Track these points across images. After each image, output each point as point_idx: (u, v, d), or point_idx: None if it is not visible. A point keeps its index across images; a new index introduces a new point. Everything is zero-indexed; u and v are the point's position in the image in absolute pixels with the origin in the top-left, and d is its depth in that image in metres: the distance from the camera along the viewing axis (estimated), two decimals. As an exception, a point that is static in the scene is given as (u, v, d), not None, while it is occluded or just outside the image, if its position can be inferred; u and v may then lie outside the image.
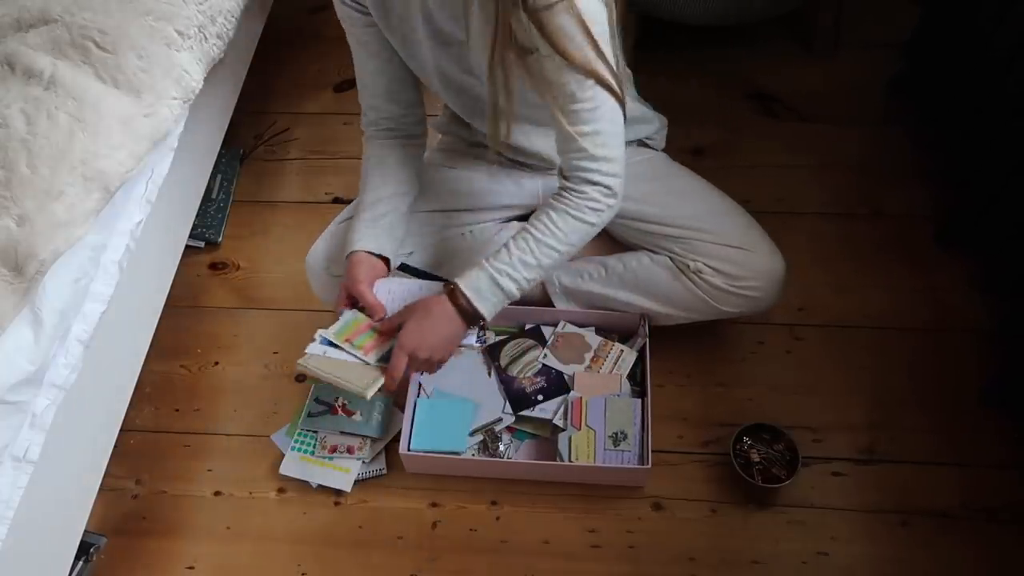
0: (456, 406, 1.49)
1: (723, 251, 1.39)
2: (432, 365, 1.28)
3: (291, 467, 1.46)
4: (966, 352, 1.56)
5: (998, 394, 1.50)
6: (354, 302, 1.32)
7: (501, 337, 1.56)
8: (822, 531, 1.40)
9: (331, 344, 1.27)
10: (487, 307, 1.22)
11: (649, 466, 1.38)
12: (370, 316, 1.30)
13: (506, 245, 1.22)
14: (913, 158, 1.84)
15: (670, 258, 1.43)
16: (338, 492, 1.46)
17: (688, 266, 1.41)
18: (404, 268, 1.47)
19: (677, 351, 1.56)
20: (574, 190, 1.19)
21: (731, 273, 1.38)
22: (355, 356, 1.26)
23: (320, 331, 1.28)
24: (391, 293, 1.34)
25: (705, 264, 1.39)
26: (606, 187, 1.18)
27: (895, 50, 1.91)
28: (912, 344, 1.58)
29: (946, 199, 1.72)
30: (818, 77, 2.00)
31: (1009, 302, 1.55)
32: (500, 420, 1.48)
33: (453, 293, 1.22)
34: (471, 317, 1.23)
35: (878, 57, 1.98)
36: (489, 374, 1.53)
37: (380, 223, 1.36)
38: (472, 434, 1.47)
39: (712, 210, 1.44)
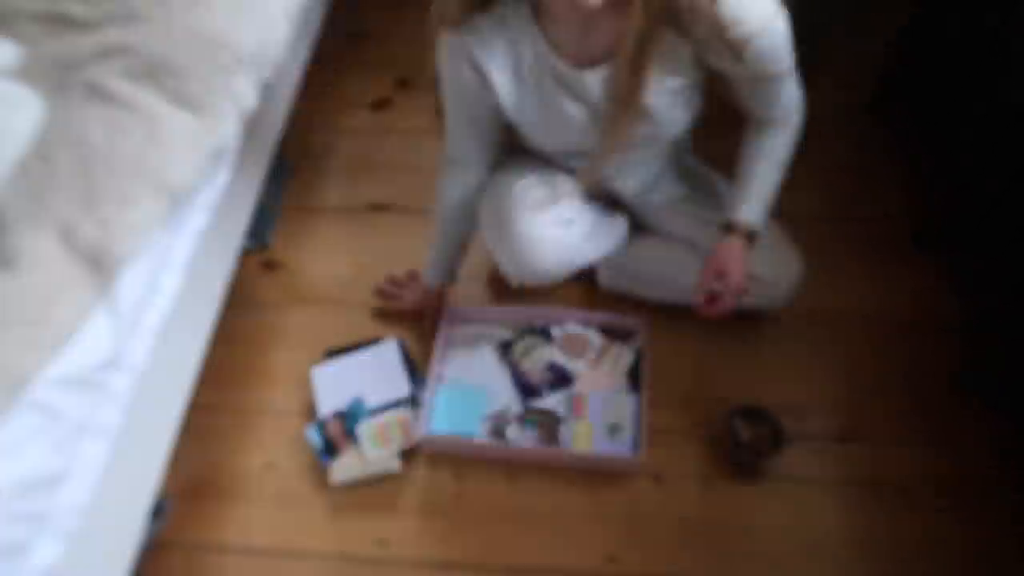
0: (471, 394, 1.51)
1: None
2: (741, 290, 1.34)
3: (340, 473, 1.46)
4: (938, 342, 1.56)
5: (967, 381, 1.50)
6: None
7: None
8: (803, 503, 1.41)
9: None
10: (761, 226, 1.33)
11: (641, 456, 1.40)
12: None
13: (751, 175, 1.32)
14: (891, 168, 1.83)
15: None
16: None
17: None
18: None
19: (676, 339, 1.58)
20: (787, 120, 1.31)
21: (751, 274, 1.38)
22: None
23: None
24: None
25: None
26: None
27: (874, 69, 1.91)
28: (889, 335, 1.59)
29: (923, 204, 1.71)
30: (805, 92, 1.99)
31: (979, 297, 1.54)
32: (510, 408, 1.51)
33: (736, 230, 1.31)
34: (753, 239, 1.33)
35: (858, 76, 1.97)
36: (502, 367, 1.56)
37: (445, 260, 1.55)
38: (485, 421, 1.49)
39: None
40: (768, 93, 1.25)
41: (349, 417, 1.49)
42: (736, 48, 1.10)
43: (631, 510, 1.42)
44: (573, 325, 1.59)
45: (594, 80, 1.20)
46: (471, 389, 1.53)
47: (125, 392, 1.13)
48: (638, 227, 1.55)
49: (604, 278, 1.62)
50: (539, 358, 1.55)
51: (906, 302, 1.63)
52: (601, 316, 1.59)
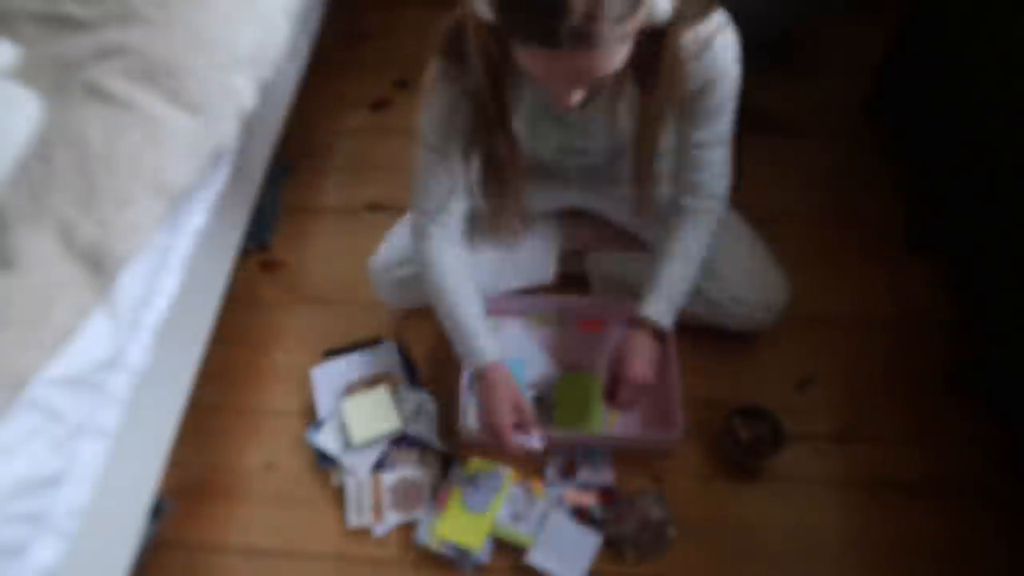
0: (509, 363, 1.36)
1: (730, 272, 1.40)
2: (645, 392, 1.31)
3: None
4: (931, 343, 1.56)
5: (962, 381, 1.51)
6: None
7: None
8: (801, 502, 1.41)
9: None
10: (671, 325, 1.30)
11: (680, 434, 1.38)
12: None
13: (661, 274, 1.29)
14: (886, 170, 1.83)
15: None
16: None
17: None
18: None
19: (675, 339, 1.57)
20: (706, 207, 1.28)
21: (734, 296, 1.40)
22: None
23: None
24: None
25: (710, 282, 1.40)
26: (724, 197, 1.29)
27: (869, 72, 1.91)
28: (883, 336, 1.59)
29: (917, 204, 1.71)
30: (801, 96, 2.00)
31: (971, 299, 1.55)
32: (548, 375, 1.54)
33: (643, 325, 1.28)
34: (662, 337, 1.30)
35: (854, 78, 1.97)
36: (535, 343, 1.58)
37: (492, 333, 1.32)
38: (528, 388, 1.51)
39: (728, 237, 1.41)
40: (706, 142, 1.22)
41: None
42: (697, 52, 1.09)
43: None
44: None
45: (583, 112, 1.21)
46: (510, 360, 1.36)
47: (124, 392, 1.13)
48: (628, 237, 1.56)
49: (597, 288, 1.62)
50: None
51: (899, 303, 1.63)
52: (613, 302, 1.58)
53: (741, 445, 1.43)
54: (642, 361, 1.28)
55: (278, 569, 1.39)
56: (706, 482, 1.44)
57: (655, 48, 1.03)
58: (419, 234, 1.32)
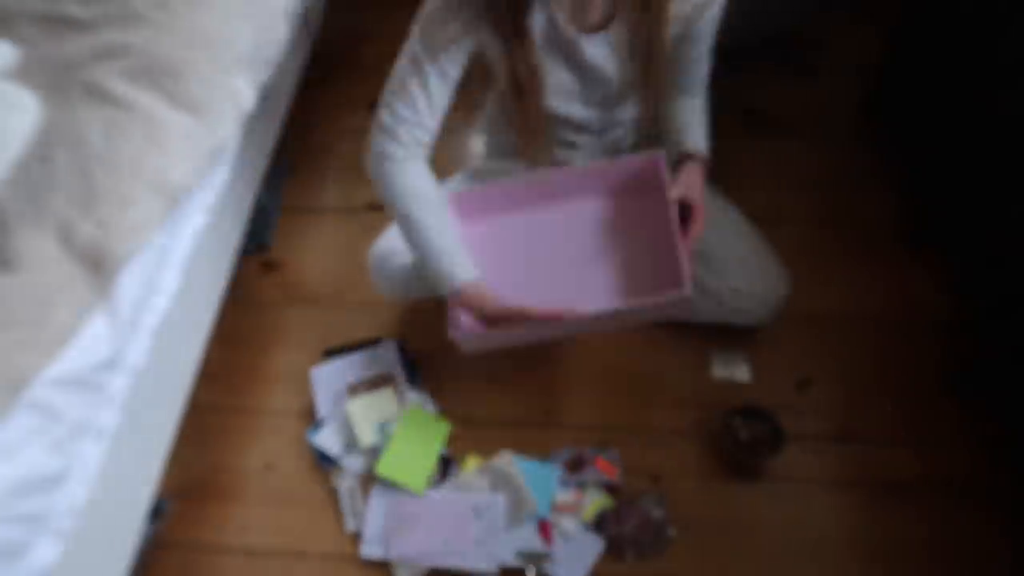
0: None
1: (725, 263, 1.39)
2: None
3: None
4: (931, 343, 1.56)
5: (960, 381, 1.50)
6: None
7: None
8: (801, 503, 1.40)
9: None
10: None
11: (686, 290, 1.21)
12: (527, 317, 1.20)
13: (687, 116, 1.36)
14: (885, 170, 1.83)
15: None
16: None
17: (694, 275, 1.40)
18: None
19: (675, 339, 1.58)
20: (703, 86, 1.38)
21: (733, 287, 1.39)
22: None
23: None
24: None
25: (707, 271, 1.40)
26: None
27: (869, 72, 1.91)
28: (882, 336, 1.58)
29: (917, 204, 1.71)
30: (801, 96, 2.00)
31: (969, 299, 1.54)
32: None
33: (693, 160, 1.32)
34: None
35: (854, 78, 1.97)
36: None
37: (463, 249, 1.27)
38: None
39: (723, 223, 1.43)
40: (699, 48, 1.31)
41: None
42: None
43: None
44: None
45: (591, 45, 1.23)
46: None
47: (124, 392, 1.13)
48: None
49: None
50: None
51: (901, 303, 1.63)
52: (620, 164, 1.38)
53: (741, 445, 1.43)
54: (701, 190, 1.31)
55: (278, 569, 1.39)
56: (706, 482, 1.44)
57: None
58: (380, 154, 1.27)
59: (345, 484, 1.43)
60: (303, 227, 1.85)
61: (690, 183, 1.30)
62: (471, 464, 1.44)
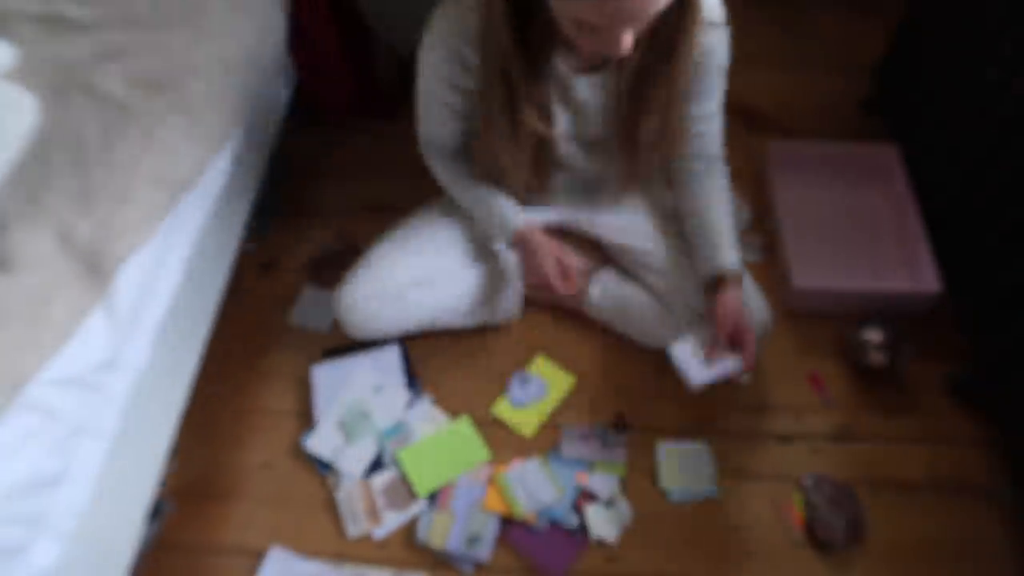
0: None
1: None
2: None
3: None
4: (934, 342, 1.56)
5: (962, 382, 1.50)
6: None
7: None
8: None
9: None
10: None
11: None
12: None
13: (714, 224, 1.34)
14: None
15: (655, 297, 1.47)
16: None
17: (672, 310, 1.42)
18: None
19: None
20: (716, 166, 1.38)
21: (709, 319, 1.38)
22: None
23: None
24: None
25: (686, 307, 1.41)
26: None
27: (869, 71, 1.91)
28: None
29: (914, 206, 1.71)
30: (801, 96, 2.00)
31: (975, 301, 1.54)
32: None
33: (729, 279, 1.31)
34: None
35: (854, 78, 1.97)
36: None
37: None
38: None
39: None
40: (707, 105, 1.30)
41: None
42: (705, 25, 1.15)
43: (631, 509, 1.41)
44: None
45: (585, 85, 1.23)
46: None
47: (123, 392, 1.13)
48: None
49: (594, 313, 1.61)
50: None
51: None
52: None
53: (882, 347, 1.48)
54: (745, 320, 1.30)
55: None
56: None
57: (678, 10, 1.06)
58: (426, 153, 1.43)
59: (342, 493, 1.43)
60: (303, 227, 1.85)
61: (736, 318, 1.29)
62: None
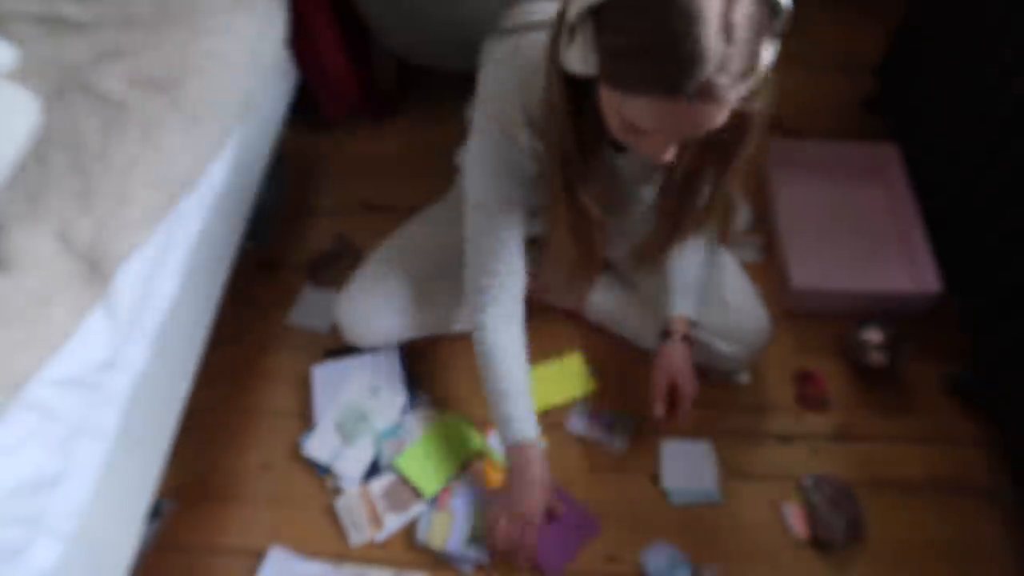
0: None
1: (710, 301, 1.38)
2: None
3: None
4: (935, 342, 1.56)
5: (962, 382, 1.50)
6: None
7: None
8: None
9: None
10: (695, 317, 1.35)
11: None
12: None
13: (677, 272, 1.33)
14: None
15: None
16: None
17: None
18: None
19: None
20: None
21: (711, 329, 1.38)
22: None
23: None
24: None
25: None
26: None
27: (869, 71, 1.91)
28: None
29: (916, 208, 1.71)
30: (801, 96, 2.00)
31: (976, 301, 1.54)
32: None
33: (676, 332, 1.32)
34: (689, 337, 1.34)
35: (854, 78, 1.97)
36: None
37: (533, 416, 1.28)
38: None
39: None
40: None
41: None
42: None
43: (631, 509, 1.41)
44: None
45: (622, 159, 1.21)
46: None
47: (123, 393, 1.13)
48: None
49: (591, 314, 1.61)
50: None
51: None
52: None
53: (881, 346, 1.48)
54: (690, 371, 1.30)
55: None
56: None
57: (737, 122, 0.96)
58: (475, 306, 1.26)
59: (342, 502, 1.43)
60: (302, 227, 1.85)
61: (676, 367, 1.31)
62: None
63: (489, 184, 1.18)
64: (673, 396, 1.32)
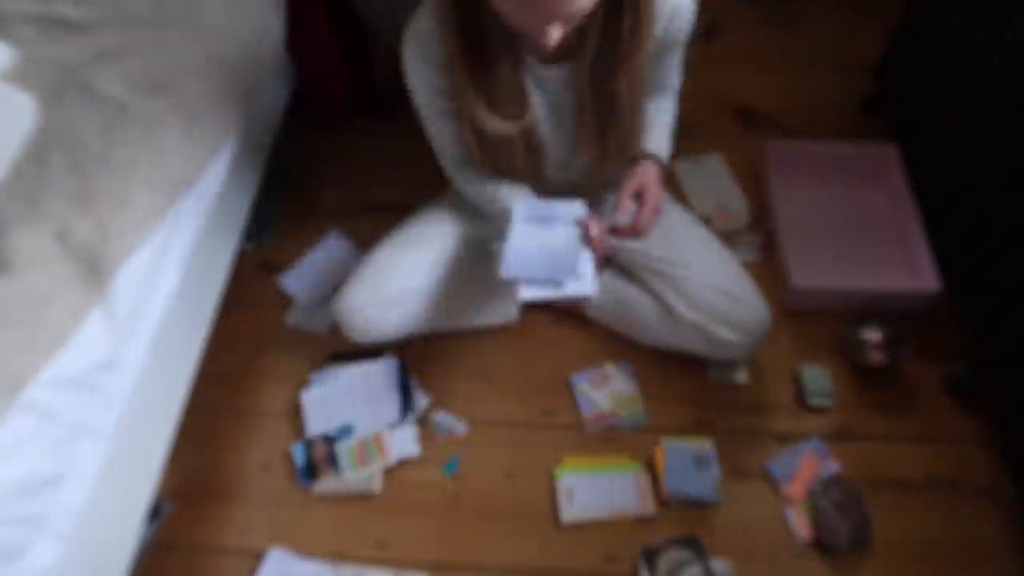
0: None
1: (703, 293, 1.39)
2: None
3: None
4: (936, 342, 1.56)
5: (962, 382, 1.50)
6: None
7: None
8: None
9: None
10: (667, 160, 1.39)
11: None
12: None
13: (655, 118, 1.37)
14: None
15: (653, 297, 1.46)
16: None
17: (671, 308, 1.42)
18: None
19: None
20: (673, 86, 1.39)
21: (711, 315, 1.39)
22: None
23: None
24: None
25: (685, 303, 1.41)
26: None
27: (869, 71, 1.91)
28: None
29: (919, 203, 1.71)
30: (801, 96, 2.00)
31: (975, 301, 1.54)
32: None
33: (646, 157, 1.34)
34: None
35: (854, 77, 1.97)
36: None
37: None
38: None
39: (702, 254, 1.44)
40: (672, 59, 1.31)
41: (335, 440, 1.49)
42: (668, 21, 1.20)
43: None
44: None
45: (555, 75, 1.24)
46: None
47: (122, 393, 1.13)
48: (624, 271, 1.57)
49: (592, 312, 1.61)
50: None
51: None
52: None
53: (881, 346, 1.49)
54: (657, 189, 1.31)
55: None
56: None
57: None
58: (452, 168, 1.42)
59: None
60: (302, 227, 1.85)
61: (644, 179, 1.31)
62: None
63: (420, 98, 1.30)
64: (641, 193, 1.31)
